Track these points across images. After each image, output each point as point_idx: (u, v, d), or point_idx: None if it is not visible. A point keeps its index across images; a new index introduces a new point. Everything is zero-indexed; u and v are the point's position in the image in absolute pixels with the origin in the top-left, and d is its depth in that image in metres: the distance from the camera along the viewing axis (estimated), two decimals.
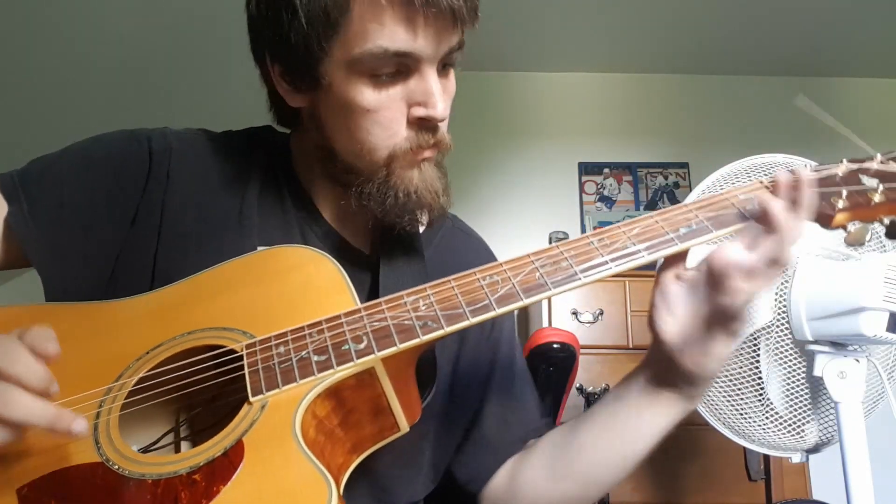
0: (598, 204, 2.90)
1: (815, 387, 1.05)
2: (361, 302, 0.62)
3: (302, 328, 0.60)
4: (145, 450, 0.64)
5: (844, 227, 0.65)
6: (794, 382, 1.05)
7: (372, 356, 0.57)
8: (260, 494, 0.50)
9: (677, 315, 0.62)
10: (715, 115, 2.93)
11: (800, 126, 2.82)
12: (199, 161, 0.75)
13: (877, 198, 0.63)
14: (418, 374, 0.68)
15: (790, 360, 1.05)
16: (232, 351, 0.60)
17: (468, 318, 0.59)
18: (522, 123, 3.00)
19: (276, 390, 0.56)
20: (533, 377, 1.53)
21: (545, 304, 2.16)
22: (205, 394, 0.62)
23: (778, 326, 1.04)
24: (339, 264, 0.65)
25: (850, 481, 0.95)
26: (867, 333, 0.91)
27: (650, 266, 0.65)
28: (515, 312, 0.66)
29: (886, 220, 0.64)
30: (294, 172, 0.78)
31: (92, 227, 0.70)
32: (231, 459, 0.52)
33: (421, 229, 0.82)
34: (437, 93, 0.65)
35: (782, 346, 1.05)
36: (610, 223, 0.63)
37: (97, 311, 0.66)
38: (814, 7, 2.51)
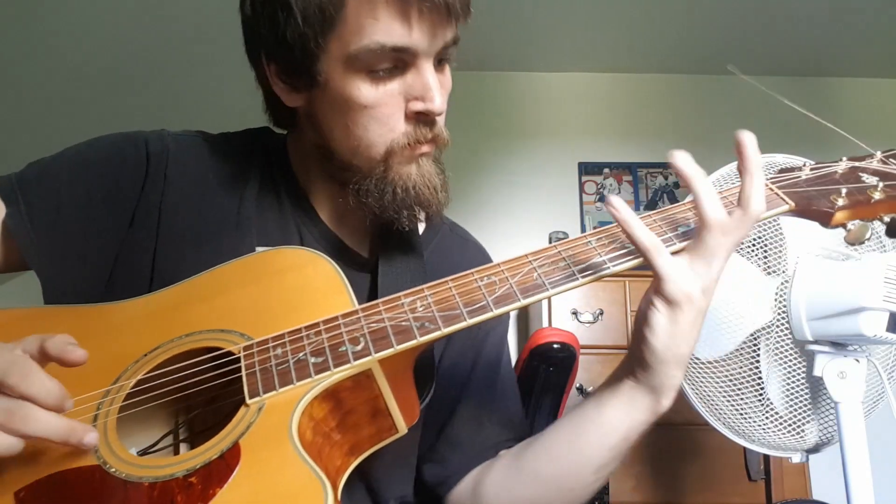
0: (598, 204, 2.90)
1: (815, 387, 1.05)
2: (359, 303, 0.62)
3: (299, 330, 0.60)
4: (144, 452, 0.64)
5: (844, 226, 0.64)
6: (794, 382, 1.05)
7: (369, 358, 0.57)
8: (256, 497, 0.49)
9: None
10: (715, 115, 2.93)
11: (800, 126, 2.82)
12: (197, 163, 0.75)
13: (877, 195, 0.63)
14: (416, 375, 0.67)
15: (790, 360, 1.05)
16: (230, 353, 0.60)
17: (466, 319, 0.58)
18: (522, 123, 3.00)
19: (273, 392, 0.56)
20: (533, 377, 1.54)
21: (545, 304, 2.16)
22: (203, 396, 0.62)
23: (778, 326, 1.04)
24: (336, 265, 0.65)
25: (850, 481, 0.95)
26: (867, 333, 0.91)
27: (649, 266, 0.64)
28: (515, 313, 0.66)
29: (886, 218, 0.64)
30: (292, 173, 0.78)
31: (90, 230, 0.70)
32: (227, 462, 0.52)
33: (421, 228, 0.82)
34: (435, 86, 0.65)
35: (782, 346, 1.05)
36: (610, 223, 0.63)
37: (95, 314, 0.66)
38: (814, 7, 2.51)
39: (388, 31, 0.61)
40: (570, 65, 3.00)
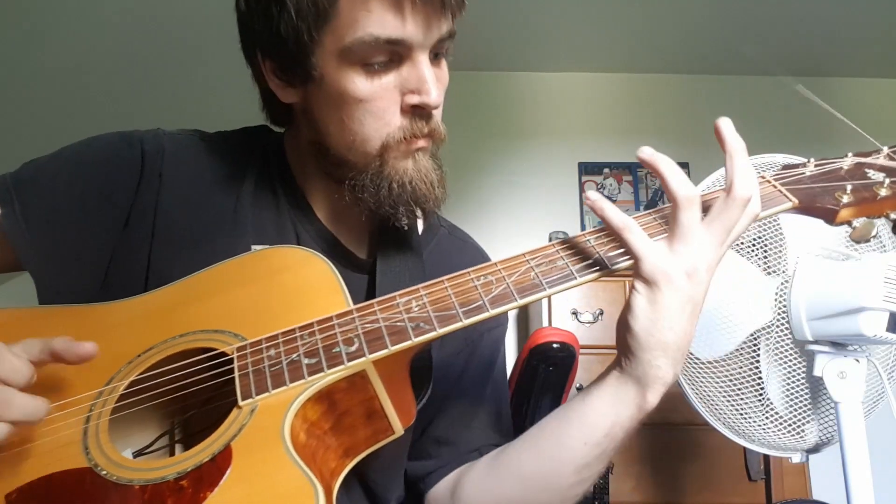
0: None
1: (815, 387, 1.05)
2: (356, 303, 0.62)
3: (293, 330, 0.59)
4: (140, 452, 0.64)
5: (849, 223, 0.63)
6: (794, 382, 1.05)
7: (363, 359, 0.56)
8: (247, 501, 0.49)
9: None
10: (715, 115, 2.90)
11: (800, 126, 2.83)
12: (193, 162, 0.74)
13: (883, 192, 0.61)
14: (413, 375, 0.67)
15: (790, 360, 1.04)
16: (223, 354, 0.60)
17: (462, 320, 0.58)
18: (522, 123, 3.00)
19: (266, 394, 0.55)
20: (532, 376, 1.55)
21: (545, 303, 2.16)
22: (198, 397, 0.62)
23: (778, 326, 1.04)
24: (332, 265, 0.65)
25: (850, 481, 0.95)
26: (867, 333, 0.90)
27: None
28: (515, 312, 0.65)
29: (893, 215, 0.63)
30: (289, 171, 0.77)
31: (85, 230, 0.70)
32: (219, 465, 0.51)
33: (419, 226, 0.82)
34: (430, 79, 0.64)
35: (782, 346, 1.04)
36: None
37: (89, 314, 0.65)
38: (814, 7, 2.51)
39: (381, 22, 0.60)
40: (570, 65, 3.00)
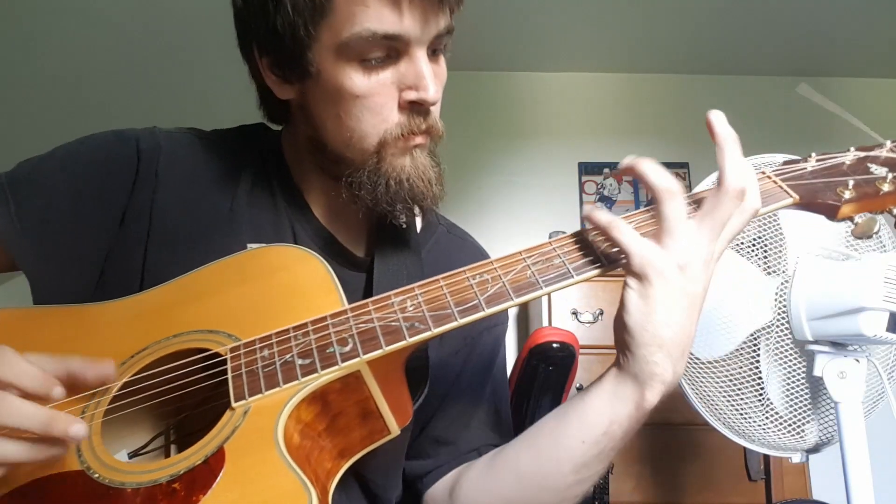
0: (598, 204, 2.90)
1: (815, 387, 1.05)
2: (353, 302, 0.61)
3: (287, 331, 0.59)
4: (135, 454, 0.64)
5: (851, 219, 0.61)
6: (794, 382, 1.05)
7: (357, 359, 0.56)
8: None
9: None
10: None
11: (800, 126, 2.83)
12: (189, 160, 0.74)
13: (886, 187, 0.60)
14: (410, 375, 0.66)
15: (790, 360, 1.04)
16: (217, 354, 0.59)
17: (457, 319, 0.57)
18: (522, 123, 3.00)
19: (259, 395, 0.55)
20: (532, 376, 1.54)
21: (545, 303, 2.15)
22: (192, 398, 0.61)
23: (778, 326, 1.04)
24: (327, 264, 0.64)
25: (850, 481, 0.95)
26: (867, 333, 0.90)
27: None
28: (515, 312, 0.65)
29: (895, 211, 0.62)
30: (286, 168, 0.77)
31: (80, 229, 0.69)
32: (211, 468, 0.51)
33: (418, 224, 0.81)
34: (428, 75, 0.64)
35: (782, 346, 1.04)
36: None
37: (83, 314, 0.65)
38: (814, 7, 2.51)
39: (378, 18, 0.60)
40: (570, 65, 3.00)
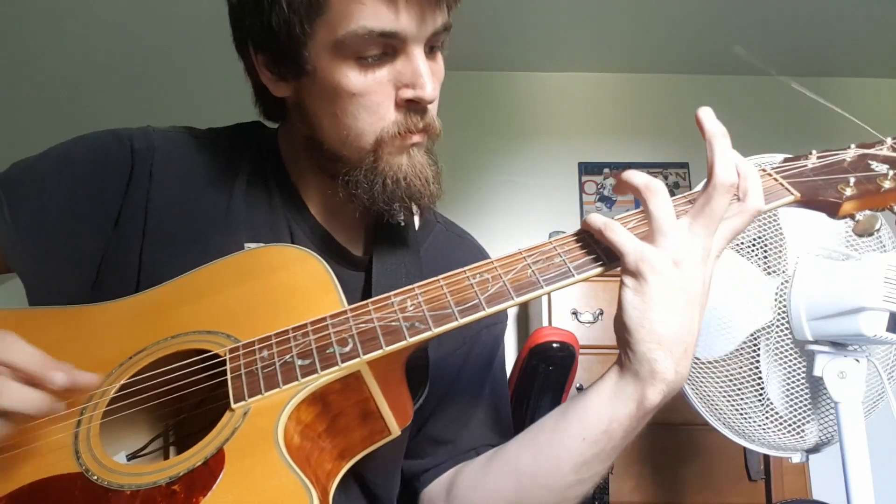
0: (598, 204, 2.90)
1: (815, 387, 1.05)
2: (350, 301, 0.61)
3: (286, 331, 0.58)
4: (134, 455, 0.63)
5: (852, 216, 0.61)
6: (794, 382, 1.05)
7: (357, 360, 0.55)
8: None
9: None
10: (715, 115, 2.92)
11: (800, 126, 2.82)
12: (184, 159, 0.73)
13: (887, 184, 0.60)
14: (410, 375, 0.66)
15: (790, 360, 1.04)
16: (216, 355, 0.59)
17: (457, 319, 0.57)
18: (522, 123, 2.99)
19: (259, 396, 0.54)
20: (532, 376, 1.54)
21: (545, 303, 2.15)
22: (191, 399, 0.61)
23: (778, 326, 1.04)
24: (325, 263, 0.64)
25: (850, 481, 0.95)
26: (867, 333, 0.90)
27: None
28: (514, 311, 0.65)
29: None
30: (282, 167, 0.76)
31: (74, 230, 0.69)
32: (211, 469, 0.50)
33: (416, 222, 0.81)
34: (426, 73, 0.63)
35: (782, 346, 1.04)
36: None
37: (80, 315, 0.65)
38: (814, 7, 2.51)
39: (375, 15, 0.60)
40: (570, 65, 3.00)
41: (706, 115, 0.60)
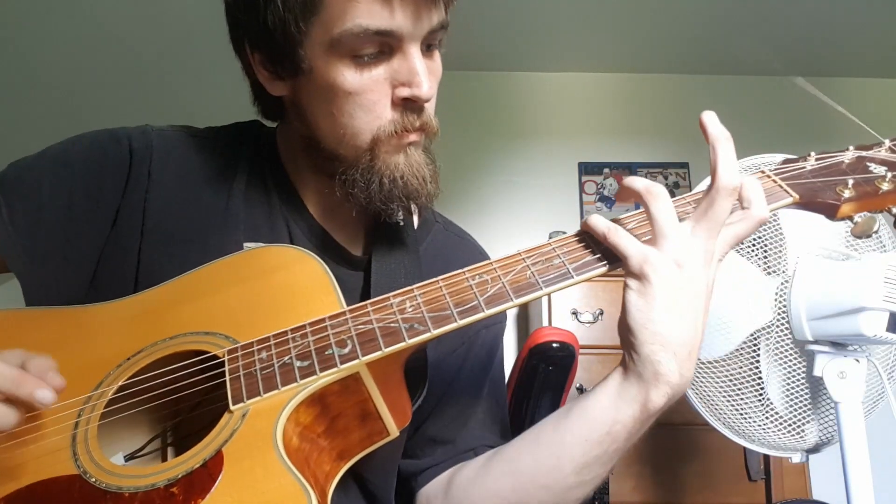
0: (598, 204, 2.90)
1: (815, 387, 1.05)
2: (349, 302, 0.61)
3: (285, 332, 0.58)
4: (132, 456, 0.63)
5: (850, 218, 0.61)
6: (794, 382, 1.05)
7: (356, 361, 0.55)
8: None
9: None
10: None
11: (800, 126, 2.83)
12: (182, 158, 0.73)
13: (885, 186, 0.60)
14: (408, 376, 0.66)
15: (790, 360, 1.04)
16: (214, 356, 0.59)
17: (456, 321, 0.57)
18: (522, 123, 3.00)
19: (258, 398, 0.54)
20: (532, 376, 1.54)
21: (545, 303, 2.15)
22: (189, 400, 0.61)
23: (778, 326, 1.04)
24: (324, 264, 0.64)
25: (850, 481, 0.95)
26: (867, 333, 0.90)
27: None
28: (514, 312, 0.65)
29: (895, 210, 0.61)
30: (281, 166, 0.76)
31: (72, 230, 0.69)
32: (210, 471, 0.50)
33: (415, 221, 0.81)
34: (422, 71, 0.63)
35: (782, 346, 1.04)
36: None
37: (77, 316, 0.64)
38: (814, 7, 2.51)
39: (369, 13, 0.59)
40: (570, 65, 3.00)
41: (710, 118, 0.60)
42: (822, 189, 0.62)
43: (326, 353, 0.56)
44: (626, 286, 0.58)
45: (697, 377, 1.10)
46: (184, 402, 0.61)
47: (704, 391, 1.10)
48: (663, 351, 0.57)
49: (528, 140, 2.97)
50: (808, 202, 0.62)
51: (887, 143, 0.65)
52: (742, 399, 1.08)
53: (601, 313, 2.11)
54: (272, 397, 0.54)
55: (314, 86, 0.65)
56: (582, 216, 2.87)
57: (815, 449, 1.09)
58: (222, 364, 0.57)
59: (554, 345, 1.53)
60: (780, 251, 1.04)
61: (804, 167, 0.65)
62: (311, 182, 0.75)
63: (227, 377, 0.56)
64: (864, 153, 0.63)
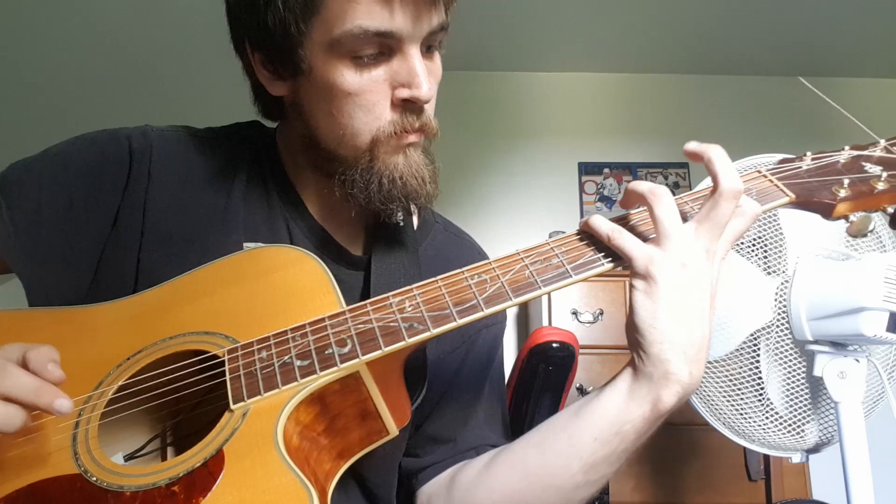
0: (598, 204, 2.90)
1: (815, 387, 1.05)
2: (349, 302, 0.61)
3: (285, 332, 0.58)
4: (131, 456, 0.63)
5: (846, 218, 0.62)
6: (794, 382, 1.05)
7: (356, 360, 0.55)
8: None
9: None
10: (715, 115, 2.92)
11: (799, 126, 2.82)
12: (182, 158, 0.73)
13: (880, 186, 0.61)
14: (408, 375, 0.66)
15: (790, 360, 1.04)
16: (214, 356, 0.59)
17: (455, 320, 0.57)
18: (522, 123, 3.00)
19: (258, 397, 0.54)
20: (532, 376, 1.54)
21: (545, 303, 2.15)
22: (189, 400, 0.61)
23: (778, 326, 1.04)
24: (324, 264, 0.64)
25: (850, 481, 0.95)
26: (867, 333, 0.90)
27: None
28: (514, 312, 0.65)
29: (890, 209, 0.62)
30: (280, 166, 0.76)
31: (72, 230, 0.69)
32: (211, 470, 0.50)
33: (414, 221, 0.81)
34: (422, 72, 0.63)
35: (782, 346, 1.04)
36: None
37: (78, 316, 0.64)
38: (814, 7, 2.51)
39: (369, 14, 0.60)
40: (570, 65, 3.00)
41: (694, 145, 0.61)
42: (819, 188, 0.62)
43: (326, 352, 0.56)
44: (631, 287, 0.59)
45: None
46: (184, 401, 0.61)
47: (704, 391, 1.10)
48: (672, 350, 0.57)
49: (528, 140, 2.97)
50: (805, 202, 0.63)
51: (883, 142, 0.65)
52: (742, 399, 1.08)
53: (601, 313, 2.11)
54: (272, 396, 0.54)
55: (314, 86, 0.65)
56: (582, 216, 2.87)
57: (815, 449, 1.09)
58: (222, 364, 0.58)
59: (554, 345, 1.53)
60: (780, 251, 1.04)
61: (800, 167, 0.66)
62: (310, 182, 0.75)
63: (228, 376, 0.56)
64: (859, 153, 0.64)
